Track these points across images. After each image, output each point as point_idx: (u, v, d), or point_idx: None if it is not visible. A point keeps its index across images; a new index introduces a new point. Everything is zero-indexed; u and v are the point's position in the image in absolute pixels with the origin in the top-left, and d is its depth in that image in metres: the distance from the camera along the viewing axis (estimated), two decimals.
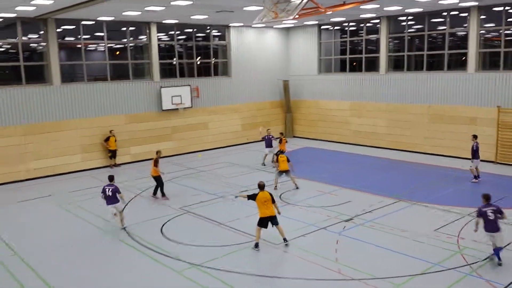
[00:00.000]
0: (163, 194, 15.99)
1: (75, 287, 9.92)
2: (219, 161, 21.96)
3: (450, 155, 21.09)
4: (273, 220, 11.49)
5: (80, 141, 20.65)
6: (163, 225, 13.32)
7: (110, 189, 12.84)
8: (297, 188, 16.61)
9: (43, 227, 13.76)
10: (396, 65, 23.69)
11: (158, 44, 23.06)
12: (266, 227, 11.47)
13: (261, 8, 15.85)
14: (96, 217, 14.18)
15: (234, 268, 10.40)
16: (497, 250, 10.05)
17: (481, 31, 20.18)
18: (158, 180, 15.87)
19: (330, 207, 14.46)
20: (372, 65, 24.47)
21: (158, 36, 23.00)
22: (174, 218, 13.97)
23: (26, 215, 14.85)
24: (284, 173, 16.72)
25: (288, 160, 16.69)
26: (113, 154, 21.25)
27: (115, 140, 21.20)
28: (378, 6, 18.82)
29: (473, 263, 10.21)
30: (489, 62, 20.70)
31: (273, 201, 11.50)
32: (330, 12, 15.77)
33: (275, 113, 28.09)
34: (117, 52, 23.01)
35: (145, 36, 22.83)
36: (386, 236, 12.09)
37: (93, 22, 20.89)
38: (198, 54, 25.11)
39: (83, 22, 20.64)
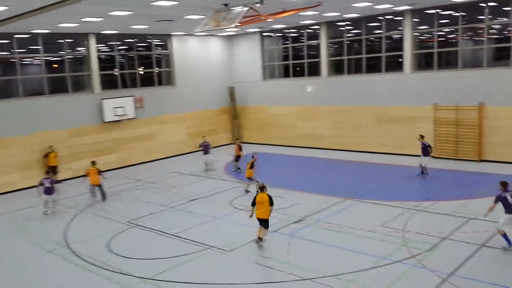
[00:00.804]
0: (104, 198, 17.14)
1: None
2: (168, 171, 21.62)
3: (393, 153, 21.88)
4: (261, 222, 11.79)
5: (19, 159, 19.68)
6: (110, 240, 12.91)
7: (49, 181, 15.33)
8: (247, 192, 16.69)
9: None
10: (337, 68, 24.35)
11: (98, 55, 22.47)
12: (267, 227, 11.85)
13: (203, 16, 15.86)
14: (41, 237, 13.54)
15: (186, 278, 10.23)
16: (506, 236, 10.67)
17: (415, 34, 21.15)
18: (100, 188, 17.17)
19: (279, 210, 14.53)
20: (315, 70, 25.03)
21: (97, 47, 22.41)
22: (121, 232, 13.58)
23: None
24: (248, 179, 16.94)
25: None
26: (53, 170, 20.37)
27: (56, 156, 20.38)
28: (317, 12, 19.30)
29: (417, 255, 10.60)
30: (424, 62, 21.71)
31: (270, 204, 11.68)
32: (271, 20, 16.07)
33: (222, 120, 28.07)
34: (55, 65, 22.20)
35: (84, 48, 22.19)
36: (335, 235, 12.34)
37: (28, 35, 20.07)
38: (140, 64, 24.70)
39: (17, 36, 19.78)
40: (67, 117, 21.25)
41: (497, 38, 20.04)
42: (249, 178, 16.64)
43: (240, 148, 20.60)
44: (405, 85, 21.32)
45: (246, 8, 13.64)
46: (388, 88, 21.91)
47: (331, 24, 23.81)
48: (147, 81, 25.03)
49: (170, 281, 10.14)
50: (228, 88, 27.99)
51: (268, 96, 26.94)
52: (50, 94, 20.97)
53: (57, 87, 21.64)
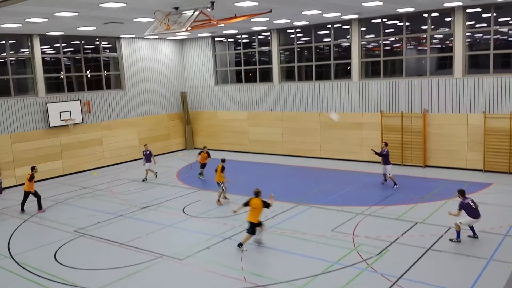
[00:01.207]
0: (40, 207, 16.31)
1: None
2: (117, 178, 21.07)
3: (341, 158, 22.42)
4: (250, 225, 11.79)
5: None
6: (56, 251, 12.40)
7: None
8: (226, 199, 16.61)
9: None
10: (288, 75, 24.70)
11: (43, 57, 21.60)
12: (253, 233, 11.82)
13: (153, 19, 15.61)
14: None
15: None
16: (473, 228, 11.77)
17: (362, 42, 21.82)
18: (36, 195, 16.24)
19: (233, 216, 14.50)
20: (266, 76, 25.25)
21: (42, 49, 21.54)
22: (68, 242, 13.07)
23: None
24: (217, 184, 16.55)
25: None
26: None
27: None
28: (267, 19, 19.49)
29: (367, 259, 10.89)
30: (371, 70, 22.43)
31: (266, 206, 11.77)
32: (222, 25, 16.04)
33: (174, 125, 27.72)
34: None
35: (28, 49, 21.26)
36: (288, 240, 12.47)
37: None
38: (87, 67, 23.95)
39: None
40: (9, 122, 20.27)
41: (439, 47, 21.04)
42: (218, 183, 16.22)
43: (208, 156, 20.25)
44: (353, 92, 21.94)
45: (197, 13, 13.58)
46: (336, 95, 22.45)
47: (282, 31, 24.13)
48: (95, 84, 24.31)
49: None
50: (180, 93, 27.69)
51: (220, 102, 26.90)
52: None
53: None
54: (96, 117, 23.56)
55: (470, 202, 11.59)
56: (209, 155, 20.32)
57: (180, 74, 28.07)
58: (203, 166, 20.17)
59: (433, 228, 12.70)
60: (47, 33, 20.97)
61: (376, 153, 17.57)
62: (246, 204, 11.97)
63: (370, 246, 11.58)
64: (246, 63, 26.11)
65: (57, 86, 22.72)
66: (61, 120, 21.67)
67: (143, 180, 20.08)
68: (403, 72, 20.81)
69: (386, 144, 17.61)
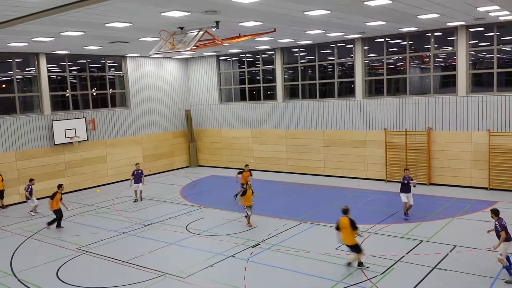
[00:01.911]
0: (59, 225, 16.22)
1: None
2: (120, 195, 21.05)
3: (345, 176, 22.35)
4: (350, 248, 11.28)
5: None
6: (59, 268, 12.34)
7: None
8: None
9: None
10: (292, 93, 24.82)
11: (49, 76, 21.83)
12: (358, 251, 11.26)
13: (158, 39, 15.80)
14: None
15: None
16: (509, 258, 10.30)
17: (366, 61, 21.95)
18: (58, 213, 16.09)
19: (236, 234, 14.48)
20: (270, 94, 25.39)
21: (48, 67, 21.79)
22: (71, 259, 13.01)
23: None
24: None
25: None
26: (0, 194, 19.43)
27: (2, 180, 19.44)
28: (271, 38, 19.69)
29: (372, 278, 10.76)
30: (374, 89, 22.51)
31: (354, 228, 11.13)
32: (227, 44, 16.21)
33: (179, 143, 27.79)
34: (3, 85, 21.35)
35: (34, 68, 21.51)
36: (292, 258, 12.36)
37: None
38: (93, 85, 24.18)
39: None
40: (15, 139, 20.40)
41: (442, 66, 21.14)
42: (247, 207, 15.29)
43: (250, 174, 18.87)
44: (357, 110, 21.98)
45: (201, 32, 13.73)
46: (340, 113, 22.50)
47: (286, 50, 24.33)
48: (100, 102, 24.50)
49: None
50: (184, 111, 27.83)
51: (224, 120, 27.00)
52: None
53: (5, 107, 20.78)
54: (101, 135, 23.68)
55: (505, 223, 10.41)
56: (251, 174, 18.98)
57: (184, 92, 28.26)
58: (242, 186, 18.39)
59: (438, 246, 12.57)
60: (53, 52, 21.24)
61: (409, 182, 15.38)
62: (337, 227, 11.36)
63: (375, 265, 11.45)
64: (250, 81, 26.28)
65: (63, 104, 22.91)
66: (66, 137, 21.79)
67: (135, 201, 19.50)
68: (406, 90, 20.87)
69: (408, 170, 15.99)
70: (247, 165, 19.53)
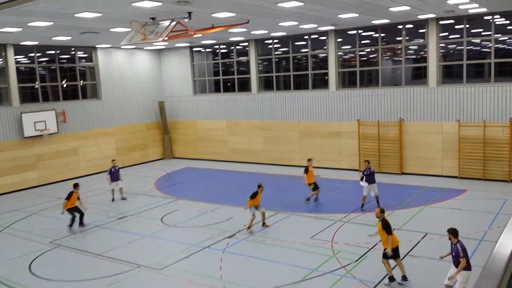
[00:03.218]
0: (82, 223, 15.10)
1: None
2: (93, 188, 20.72)
3: (320, 166, 22.52)
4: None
5: None
6: (31, 263, 12.10)
7: None
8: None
9: None
10: (267, 85, 24.85)
11: (17, 67, 21.23)
12: (394, 258, 9.83)
13: (129, 29, 15.55)
14: None
15: None
16: None
17: (339, 53, 22.14)
18: (76, 210, 14.93)
19: (212, 225, 14.48)
20: (245, 85, 25.35)
21: (16, 58, 21.18)
22: (44, 253, 12.78)
23: None
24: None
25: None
26: None
27: None
28: (245, 30, 19.62)
29: (346, 265, 10.95)
30: (348, 80, 22.74)
31: (387, 232, 9.78)
32: (200, 35, 16.07)
33: (153, 135, 27.49)
34: None
35: (1, 59, 20.87)
36: (268, 248, 12.46)
37: None
38: (63, 77, 23.63)
39: None
40: None
41: (414, 58, 21.50)
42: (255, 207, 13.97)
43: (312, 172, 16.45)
44: (331, 102, 22.18)
45: (174, 23, 13.58)
46: (315, 104, 22.67)
47: (260, 42, 24.30)
48: (71, 94, 23.97)
49: None
50: (158, 103, 27.53)
51: (198, 111, 26.84)
52: None
53: None
54: (72, 127, 23.20)
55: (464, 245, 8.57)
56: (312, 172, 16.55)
57: (158, 84, 27.93)
58: (315, 186, 16.46)
59: (410, 234, 12.86)
60: (21, 43, 20.64)
61: (365, 175, 15.26)
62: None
63: (349, 253, 11.65)
64: (224, 73, 26.17)
65: (32, 96, 22.33)
66: (35, 130, 21.26)
67: (113, 200, 18.20)
68: (379, 82, 21.17)
69: (369, 162, 15.78)
70: (310, 160, 16.74)
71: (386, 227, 9.68)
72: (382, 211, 10.01)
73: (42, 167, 21.90)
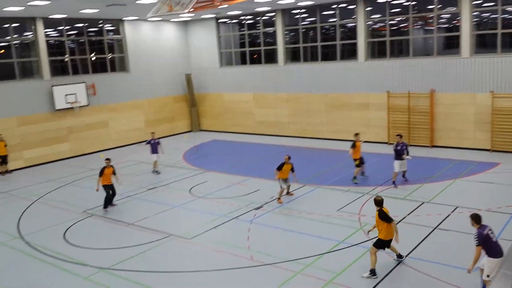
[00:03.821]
0: (111, 203, 14.35)
1: None
2: (124, 160, 21.14)
3: (347, 139, 22.30)
4: (389, 243, 9.43)
5: None
6: (66, 231, 12.54)
7: None
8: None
9: None
10: (294, 56, 24.51)
11: (47, 41, 21.54)
12: (384, 249, 9.47)
13: (155, 1, 15.46)
14: None
15: (146, 267, 10.12)
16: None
17: (368, 22, 21.57)
18: (110, 188, 14.11)
19: (240, 197, 14.63)
20: (271, 57, 25.07)
21: (46, 32, 21.46)
22: (77, 222, 13.20)
23: None
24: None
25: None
26: (3, 160, 19.54)
27: (5, 145, 19.49)
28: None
29: (374, 238, 10.89)
30: (377, 51, 22.21)
31: (388, 221, 9.24)
32: (225, 6, 15.84)
33: (180, 108, 27.66)
34: (1, 51, 21.09)
35: (31, 33, 21.19)
36: (295, 220, 12.54)
37: None
38: (92, 50, 23.88)
39: None
40: (15, 105, 20.32)
41: (446, 27, 20.76)
42: (283, 180, 13.92)
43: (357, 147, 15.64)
44: (359, 73, 21.77)
45: None
46: (343, 75, 22.29)
47: (287, 12, 23.87)
48: (100, 67, 24.26)
49: (129, 271, 9.99)
50: (185, 75, 27.59)
51: (225, 84, 26.79)
52: None
53: (4, 73, 20.60)
54: (102, 100, 23.56)
55: (489, 232, 7.82)
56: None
57: (184, 56, 27.91)
58: (361, 161, 15.70)
59: (440, 207, 12.71)
60: (50, 16, 20.87)
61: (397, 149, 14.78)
62: (390, 220, 9.25)
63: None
64: (250, 44, 25.91)
65: (62, 69, 22.69)
66: (66, 103, 21.69)
67: (153, 172, 18.30)
68: (409, 52, 20.59)
69: (401, 136, 15.13)
70: (357, 134, 15.97)
71: (384, 217, 9.17)
72: (379, 203, 9.32)
73: (73, 139, 22.43)
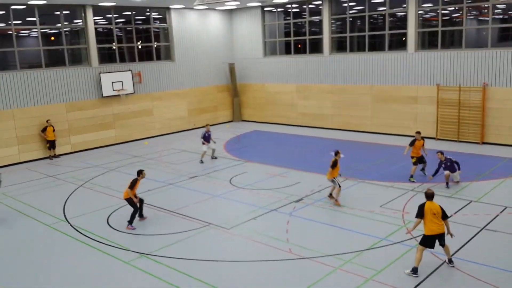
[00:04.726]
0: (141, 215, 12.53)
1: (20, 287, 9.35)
2: (167, 148, 21.46)
3: (393, 133, 21.73)
4: (441, 239, 8.97)
5: (16, 132, 19.51)
6: (109, 216, 12.84)
7: None
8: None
9: None
10: (340, 46, 23.98)
11: (95, 28, 22.04)
12: (432, 247, 8.98)
13: None
14: (39, 211, 13.46)
15: (185, 255, 10.19)
16: None
17: (419, 11, 20.75)
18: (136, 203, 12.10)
19: (280, 189, 14.50)
20: (316, 47, 24.64)
21: (94, 19, 21.96)
22: (120, 208, 13.47)
23: None
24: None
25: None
26: (51, 144, 20.24)
27: (53, 130, 20.18)
28: None
29: (418, 236, 10.51)
30: (428, 41, 21.36)
31: (445, 217, 8.96)
32: None
33: (222, 98, 27.76)
34: (52, 38, 21.78)
35: (81, 20, 21.74)
36: (335, 214, 12.29)
37: (24, 7, 19.63)
38: (138, 38, 24.26)
39: (13, 7, 19.33)
40: (64, 91, 20.98)
41: (501, 18, 19.67)
42: (332, 180, 13.06)
43: (424, 143, 15.00)
44: (408, 65, 21.03)
45: None
46: (390, 67, 21.61)
47: (334, 0, 23.34)
48: (146, 55, 24.64)
49: (169, 257, 10.09)
50: (228, 65, 27.60)
51: (268, 74, 26.60)
52: (47, 67, 20.63)
53: (54, 60, 21.29)
54: (147, 88, 23.95)
55: None
56: (424, 143, 15.05)
57: (228, 45, 27.90)
58: (420, 160, 14.95)
59: (488, 207, 12.12)
60: (99, 4, 21.32)
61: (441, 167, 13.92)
62: (420, 214, 8.95)
63: (421, 224, 11.16)
64: (295, 33, 25.55)
65: (109, 57, 23.19)
66: (113, 90, 22.19)
67: (212, 159, 18.59)
68: (462, 44, 19.67)
69: (442, 153, 14.13)
70: (418, 132, 15.06)
71: (417, 210, 8.99)
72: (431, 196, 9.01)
73: (119, 126, 22.95)
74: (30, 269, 9.99)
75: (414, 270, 8.86)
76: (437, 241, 8.95)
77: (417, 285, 8.57)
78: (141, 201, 12.39)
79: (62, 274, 9.73)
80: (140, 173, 12.26)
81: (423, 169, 15.24)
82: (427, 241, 8.93)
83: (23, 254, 10.77)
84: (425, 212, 8.86)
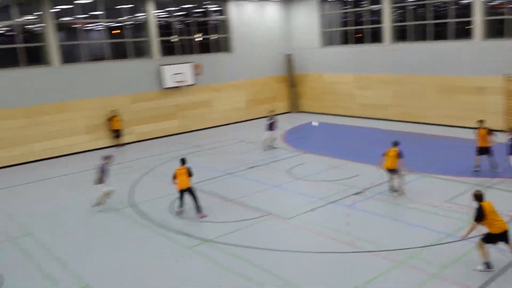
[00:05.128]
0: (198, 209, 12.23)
1: (90, 268, 9.90)
2: (226, 138, 21.81)
3: (458, 125, 20.88)
4: (504, 236, 8.68)
5: (84, 122, 20.56)
6: (171, 202, 13.27)
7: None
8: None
9: (53, 211, 13.71)
10: (401, 35, 23.27)
11: (157, 21, 22.67)
12: (495, 243, 8.79)
13: None
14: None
15: (245, 243, 10.37)
16: None
17: None
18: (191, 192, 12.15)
19: (338, 181, 14.38)
20: (376, 36, 24.05)
21: (155, 13, 22.59)
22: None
23: (34, 198, 14.82)
24: None
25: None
26: (117, 134, 21.14)
27: (119, 120, 21.06)
28: None
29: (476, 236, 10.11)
30: (494, 30, 20.28)
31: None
32: None
33: (280, 88, 27.76)
34: (117, 31, 22.65)
35: (142, 14, 22.42)
36: (397, 208, 12.05)
37: (90, 1, 20.52)
38: (197, 30, 24.71)
39: (79, 1, 20.25)
40: (128, 83, 21.79)
41: None
42: (391, 170, 12.81)
43: (489, 133, 14.06)
44: (474, 54, 20.08)
45: None
46: (455, 56, 20.72)
47: None
48: (205, 47, 25.07)
49: (229, 244, 10.32)
50: (285, 55, 27.53)
51: (326, 64, 26.29)
52: (111, 59, 21.51)
53: (118, 53, 22.14)
54: (206, 79, 24.39)
55: None
56: (489, 132, 14.04)
57: (285, 36, 27.80)
58: (484, 151, 14.19)
59: None
60: None
61: None
62: (480, 217, 8.65)
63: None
64: (354, 23, 25.05)
65: (170, 49, 23.80)
66: (174, 82, 22.78)
67: (268, 148, 18.74)
68: None
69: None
70: (481, 121, 14.34)
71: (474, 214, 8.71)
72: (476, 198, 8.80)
73: (181, 117, 23.58)
74: (103, 250, 10.55)
75: (488, 264, 8.59)
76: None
77: (484, 283, 8.25)
78: (195, 197, 12.15)
79: (129, 256, 10.21)
80: (183, 161, 12.54)
81: (491, 161, 14.36)
82: (494, 239, 8.66)
83: (89, 231, 11.38)
84: (486, 214, 8.60)
